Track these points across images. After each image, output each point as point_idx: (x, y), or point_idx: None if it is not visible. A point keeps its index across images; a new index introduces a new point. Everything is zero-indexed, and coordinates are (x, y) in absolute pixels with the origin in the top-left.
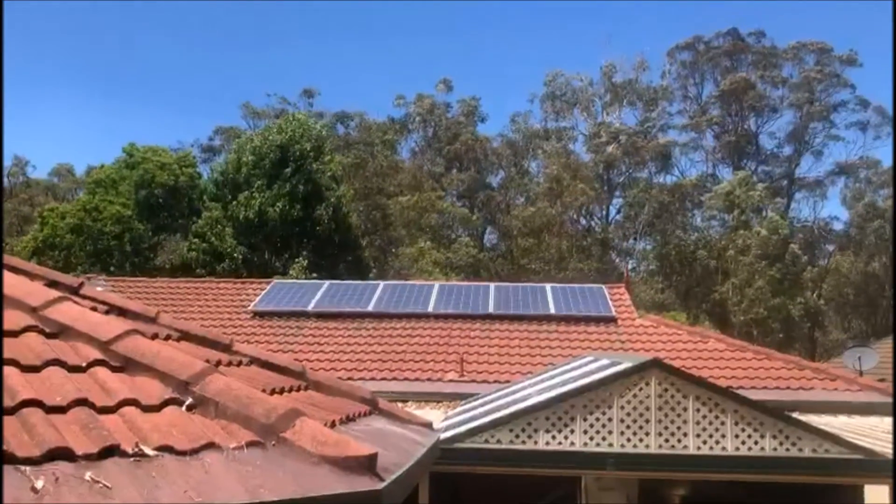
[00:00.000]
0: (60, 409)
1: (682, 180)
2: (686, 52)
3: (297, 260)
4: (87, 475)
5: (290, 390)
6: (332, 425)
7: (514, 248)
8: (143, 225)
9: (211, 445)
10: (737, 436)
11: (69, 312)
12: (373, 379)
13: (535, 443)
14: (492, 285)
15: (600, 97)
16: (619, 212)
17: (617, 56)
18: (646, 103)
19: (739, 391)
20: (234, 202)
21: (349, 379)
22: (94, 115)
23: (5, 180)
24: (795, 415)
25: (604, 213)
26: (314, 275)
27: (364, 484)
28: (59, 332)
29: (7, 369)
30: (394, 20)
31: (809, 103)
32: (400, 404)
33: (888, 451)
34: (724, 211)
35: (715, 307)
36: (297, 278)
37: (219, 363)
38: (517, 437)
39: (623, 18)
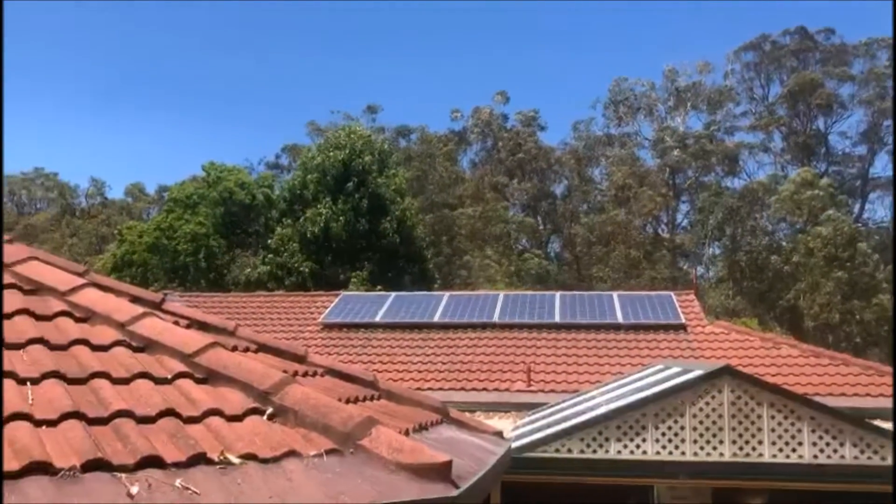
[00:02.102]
0: (150, 420)
1: (750, 183)
2: (751, 53)
3: (355, 273)
4: (177, 482)
5: (364, 399)
6: (406, 433)
7: (581, 257)
8: (217, 242)
9: (292, 453)
10: (814, 444)
11: (154, 327)
12: (440, 389)
13: (606, 452)
14: (557, 294)
15: (663, 102)
16: (685, 217)
17: (678, 60)
18: (710, 106)
19: (815, 398)
20: (302, 218)
21: (417, 389)
22: (163, 134)
23: (84, 201)
24: (876, 423)
25: (670, 218)
26: (379, 287)
27: (439, 491)
28: (146, 346)
29: (99, 381)
30: (454, 33)
31: (881, 100)
32: (468, 414)
33: None
34: (789, 213)
35: (786, 313)
36: (357, 290)
37: (295, 374)
38: (588, 446)
39: (683, 24)
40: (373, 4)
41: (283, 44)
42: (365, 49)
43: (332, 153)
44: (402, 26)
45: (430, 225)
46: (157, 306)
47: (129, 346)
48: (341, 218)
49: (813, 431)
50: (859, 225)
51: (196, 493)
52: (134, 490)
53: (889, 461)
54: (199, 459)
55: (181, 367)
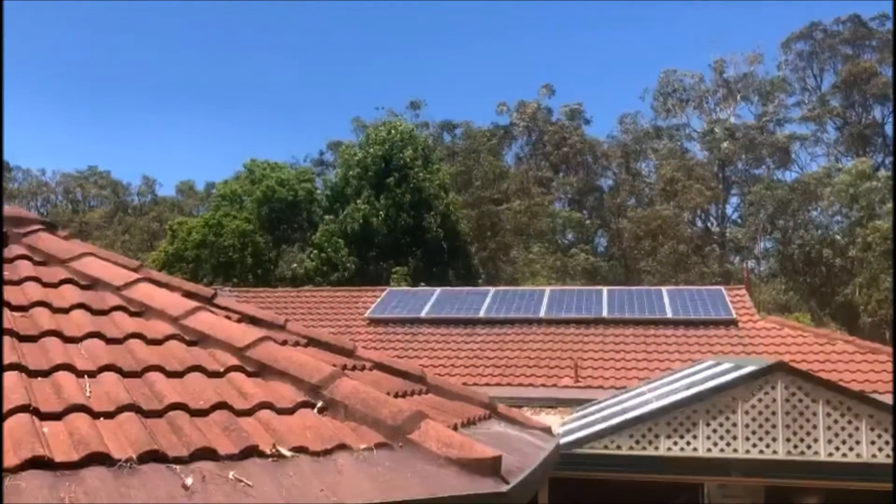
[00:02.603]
0: (203, 412)
1: (802, 175)
2: (802, 42)
3: (395, 269)
4: (231, 474)
5: (413, 394)
6: (455, 428)
7: (629, 252)
8: (263, 238)
9: (342, 447)
10: (873, 442)
11: (206, 321)
12: (487, 384)
13: (656, 448)
14: (605, 289)
15: (712, 94)
16: (735, 211)
17: (727, 52)
18: (761, 97)
19: (873, 396)
20: (344, 214)
21: (463, 385)
22: (215, 132)
23: (136, 199)
24: None
25: (720, 212)
26: (422, 283)
27: (489, 486)
28: (199, 340)
29: (154, 375)
30: (499, 27)
31: None
32: (515, 410)
33: None
34: (845, 206)
35: (841, 308)
36: (398, 285)
37: (344, 368)
38: (637, 442)
39: (730, 15)
40: (418, 3)
41: (330, 42)
42: (410, 45)
43: (372, 149)
44: (447, 21)
45: (474, 220)
46: (210, 301)
47: (182, 339)
48: (381, 213)
49: (871, 430)
50: None
51: (249, 485)
52: (189, 482)
53: None
54: (252, 452)
55: (233, 361)
